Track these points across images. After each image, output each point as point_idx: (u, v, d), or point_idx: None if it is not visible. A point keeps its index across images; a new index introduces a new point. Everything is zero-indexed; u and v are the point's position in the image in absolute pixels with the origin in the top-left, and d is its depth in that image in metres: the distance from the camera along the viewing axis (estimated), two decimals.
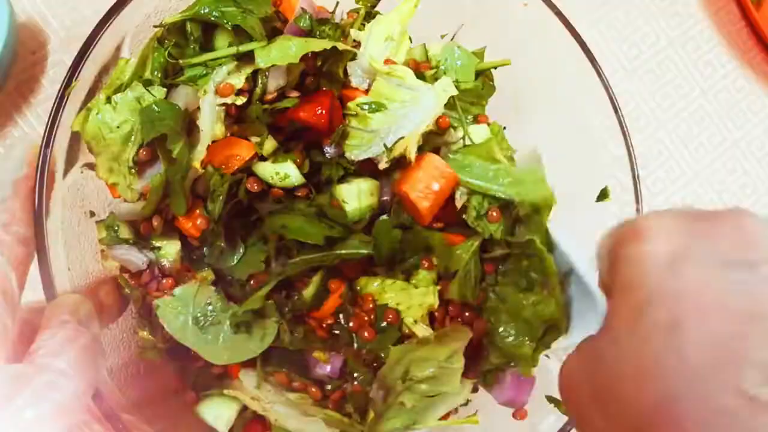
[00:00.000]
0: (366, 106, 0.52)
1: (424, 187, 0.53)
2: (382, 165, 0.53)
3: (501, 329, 0.52)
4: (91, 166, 0.48)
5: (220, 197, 0.50)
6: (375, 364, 0.55)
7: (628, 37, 0.85)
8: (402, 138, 0.52)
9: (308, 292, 0.54)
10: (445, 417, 0.57)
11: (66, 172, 0.46)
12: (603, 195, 0.58)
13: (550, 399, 0.53)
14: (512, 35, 0.58)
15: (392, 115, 0.53)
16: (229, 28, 0.49)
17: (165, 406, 0.52)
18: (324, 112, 0.52)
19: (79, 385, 0.35)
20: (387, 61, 0.54)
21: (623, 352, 0.27)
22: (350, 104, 0.53)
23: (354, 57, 0.54)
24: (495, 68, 0.60)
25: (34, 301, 0.41)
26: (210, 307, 0.51)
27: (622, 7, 0.85)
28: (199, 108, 0.49)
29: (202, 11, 0.49)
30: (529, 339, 0.50)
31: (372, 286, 0.56)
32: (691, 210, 0.30)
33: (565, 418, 0.51)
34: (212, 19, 0.49)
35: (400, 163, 0.54)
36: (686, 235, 0.28)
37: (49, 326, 0.37)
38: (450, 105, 0.56)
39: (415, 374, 0.51)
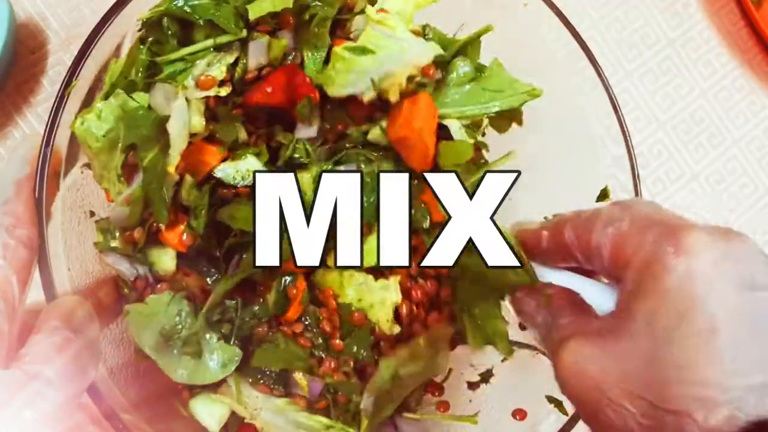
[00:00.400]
0: (353, 52, 0.51)
1: (425, 124, 0.52)
2: (366, 98, 0.51)
3: (465, 295, 0.52)
4: (90, 167, 0.48)
5: (203, 211, 0.50)
6: (356, 365, 0.54)
7: (628, 37, 0.85)
8: (391, 75, 0.51)
9: (271, 297, 0.53)
10: (445, 409, 0.57)
11: (66, 172, 0.46)
12: (603, 195, 0.58)
13: (550, 399, 0.53)
14: (512, 35, 0.58)
15: (379, 59, 0.51)
16: (202, 24, 0.48)
17: (165, 406, 0.52)
18: (272, 89, 0.50)
19: (66, 395, 0.35)
20: (380, 11, 0.53)
21: (664, 346, 0.33)
22: (336, 48, 0.51)
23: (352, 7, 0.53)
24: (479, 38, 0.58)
25: (33, 302, 0.41)
26: (178, 319, 0.50)
27: (622, 7, 0.85)
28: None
29: (174, 5, 0.47)
30: (496, 305, 0.50)
31: (329, 278, 0.54)
32: (717, 229, 0.36)
33: (565, 418, 0.51)
34: (184, 15, 0.47)
35: (384, 106, 0.52)
36: (721, 256, 0.34)
37: (40, 331, 0.37)
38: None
39: (403, 373, 0.51)
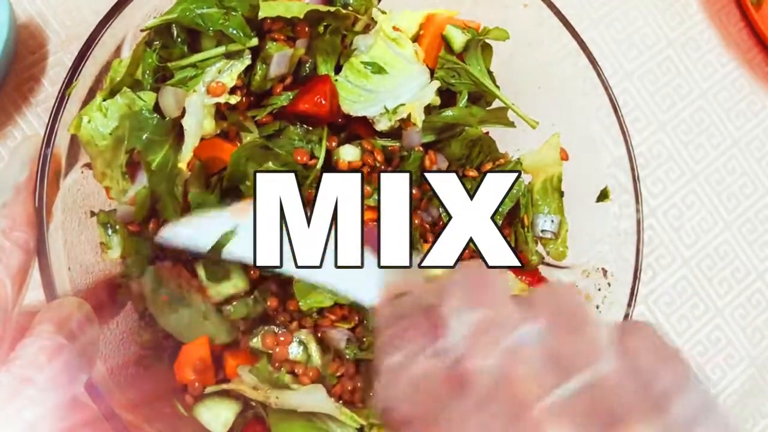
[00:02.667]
0: (368, 67, 0.53)
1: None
2: (380, 126, 0.54)
3: None
4: (91, 166, 0.48)
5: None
6: None
7: (628, 37, 0.85)
8: (403, 105, 0.53)
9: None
10: None
11: (66, 172, 0.46)
12: (603, 195, 0.58)
13: None
14: (512, 35, 0.59)
15: (391, 81, 0.54)
16: (211, 34, 0.49)
17: (165, 406, 0.52)
18: (325, 101, 0.52)
19: (55, 401, 0.35)
20: (395, 28, 0.56)
21: None
22: (352, 59, 0.54)
23: (356, 22, 0.55)
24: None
25: (32, 303, 0.41)
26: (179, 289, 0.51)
27: (622, 8, 0.85)
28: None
29: (183, 14, 0.48)
30: None
31: None
32: None
33: None
34: (194, 25, 0.48)
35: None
36: None
37: (31, 334, 0.36)
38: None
39: None
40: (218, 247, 0.45)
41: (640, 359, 0.28)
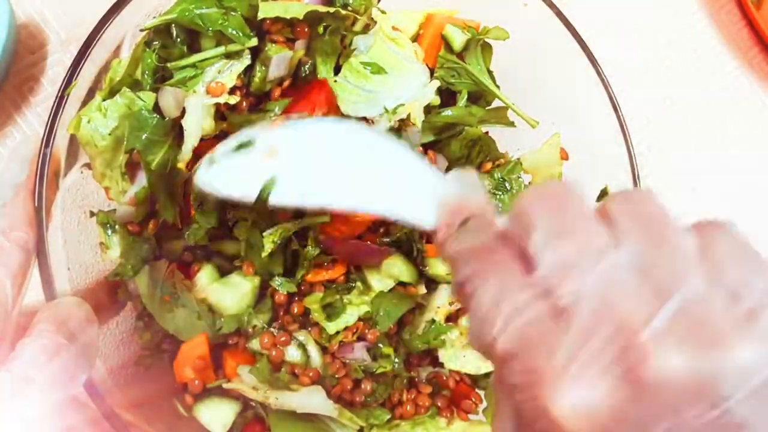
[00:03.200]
0: (368, 67, 0.53)
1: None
2: (380, 127, 0.54)
3: None
4: (90, 166, 0.48)
5: (212, 208, 0.51)
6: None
7: (628, 36, 0.85)
8: (402, 105, 0.53)
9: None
10: (448, 416, 0.57)
11: (66, 172, 0.46)
12: (603, 195, 0.58)
13: None
14: (512, 35, 0.59)
15: (391, 81, 0.54)
16: (210, 35, 0.49)
17: (165, 406, 0.52)
18: (319, 102, 0.53)
19: (55, 400, 0.35)
20: (394, 28, 0.56)
21: None
22: (352, 60, 0.54)
23: (355, 22, 0.55)
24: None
25: (32, 303, 0.41)
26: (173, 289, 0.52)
27: (622, 7, 0.85)
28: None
29: (182, 14, 0.48)
30: None
31: None
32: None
33: None
34: (193, 25, 0.48)
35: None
36: None
37: (32, 334, 0.36)
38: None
39: None
40: (262, 200, 0.41)
41: (726, 269, 0.28)
